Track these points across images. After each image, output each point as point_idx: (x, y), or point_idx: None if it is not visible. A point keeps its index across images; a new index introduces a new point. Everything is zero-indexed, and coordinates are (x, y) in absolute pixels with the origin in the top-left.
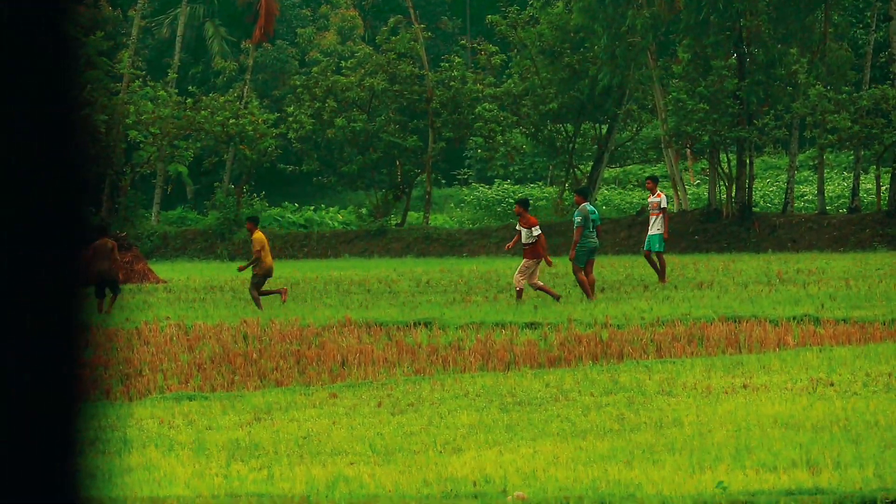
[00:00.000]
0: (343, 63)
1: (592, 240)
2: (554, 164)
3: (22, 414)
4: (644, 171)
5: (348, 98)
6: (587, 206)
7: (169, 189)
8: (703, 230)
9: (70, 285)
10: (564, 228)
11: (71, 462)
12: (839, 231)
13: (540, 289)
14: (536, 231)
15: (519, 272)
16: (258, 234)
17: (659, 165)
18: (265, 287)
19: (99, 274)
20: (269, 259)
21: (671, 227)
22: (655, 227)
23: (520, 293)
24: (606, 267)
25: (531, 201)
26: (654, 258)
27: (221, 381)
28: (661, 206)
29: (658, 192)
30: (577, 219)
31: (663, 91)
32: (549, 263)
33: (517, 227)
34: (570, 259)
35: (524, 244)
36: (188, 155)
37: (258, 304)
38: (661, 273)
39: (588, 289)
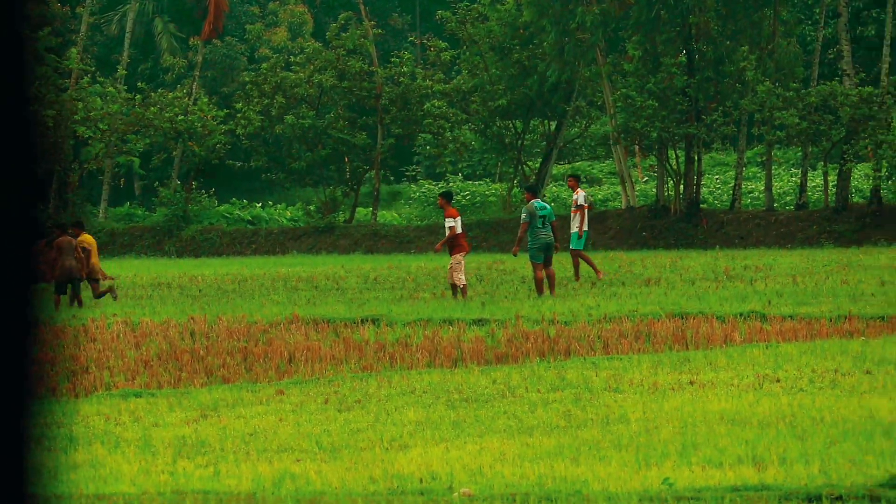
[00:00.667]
0: (292, 59)
1: (544, 236)
2: (503, 161)
3: None
4: (592, 168)
5: (297, 94)
6: (535, 202)
7: (121, 182)
8: (651, 227)
9: (23, 282)
10: (513, 225)
11: (18, 459)
12: (786, 228)
13: (455, 284)
14: (450, 222)
15: (454, 270)
16: (85, 237)
17: (608, 162)
18: (101, 287)
19: (66, 271)
20: (93, 261)
21: (619, 224)
22: (576, 225)
23: (464, 290)
24: (553, 263)
25: (479, 198)
26: (578, 255)
27: (168, 377)
28: (579, 204)
29: (578, 189)
30: (523, 215)
31: (612, 87)
32: (436, 250)
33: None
34: (514, 255)
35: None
36: (137, 148)
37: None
38: (594, 267)
39: (540, 287)
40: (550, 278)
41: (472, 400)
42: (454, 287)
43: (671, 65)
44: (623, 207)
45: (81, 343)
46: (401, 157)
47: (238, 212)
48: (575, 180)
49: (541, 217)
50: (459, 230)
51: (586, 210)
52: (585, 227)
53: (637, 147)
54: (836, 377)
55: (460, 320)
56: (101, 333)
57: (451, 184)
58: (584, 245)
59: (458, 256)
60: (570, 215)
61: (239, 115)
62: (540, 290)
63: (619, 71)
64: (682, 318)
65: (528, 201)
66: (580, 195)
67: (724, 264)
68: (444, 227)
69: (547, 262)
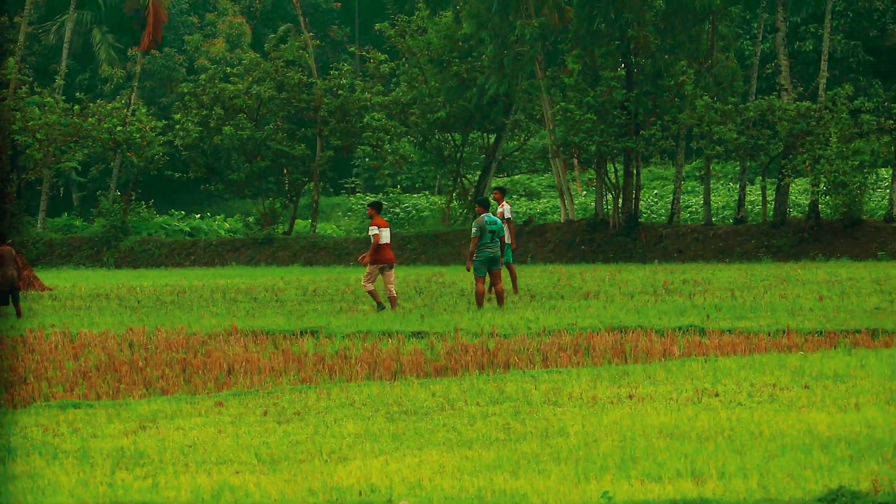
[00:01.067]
0: (230, 70)
1: (489, 250)
2: (441, 174)
3: None
4: (531, 181)
5: (236, 106)
6: (485, 216)
7: (59, 193)
8: (590, 240)
9: None
10: (452, 238)
11: None
12: (725, 242)
13: (371, 293)
14: (374, 230)
15: (365, 279)
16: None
17: (546, 175)
18: None
19: (6, 281)
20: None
21: (558, 237)
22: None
23: (393, 301)
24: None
25: (418, 211)
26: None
27: (107, 389)
28: (505, 217)
29: (503, 202)
30: (473, 229)
31: (551, 101)
32: (361, 261)
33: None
34: (468, 270)
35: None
36: (76, 158)
37: None
38: (513, 283)
39: (481, 300)
40: (499, 294)
41: (411, 412)
42: (392, 300)
43: (610, 78)
44: (562, 221)
45: (20, 354)
46: (340, 170)
47: (177, 223)
48: (501, 193)
49: (490, 232)
50: (385, 240)
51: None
52: (508, 241)
53: (576, 161)
54: (775, 391)
55: (399, 333)
56: (40, 344)
57: (389, 196)
58: (512, 258)
59: (374, 267)
60: None
61: (177, 126)
62: (480, 303)
63: (558, 84)
64: (621, 331)
65: (479, 215)
66: (506, 208)
67: (662, 278)
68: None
69: (496, 278)
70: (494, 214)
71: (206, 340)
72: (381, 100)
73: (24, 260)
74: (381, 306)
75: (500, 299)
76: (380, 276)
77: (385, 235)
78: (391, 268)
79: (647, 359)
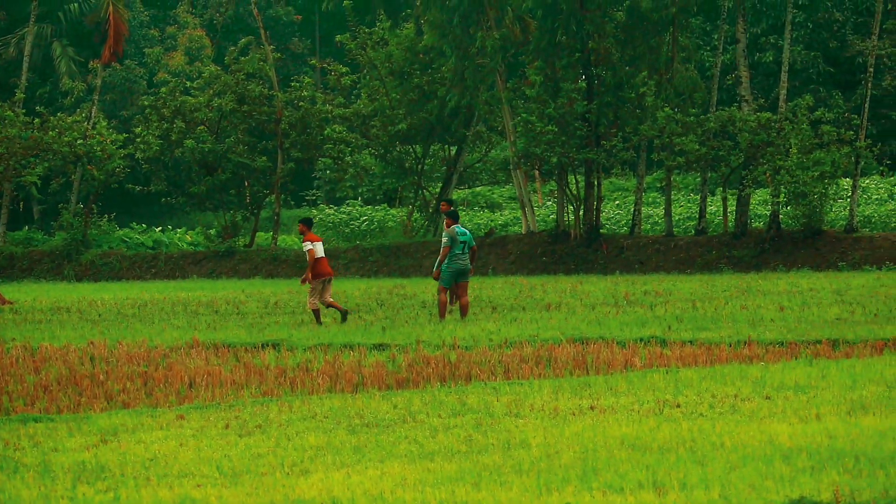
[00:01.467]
0: (191, 83)
1: (461, 262)
2: (403, 186)
3: None
4: (493, 193)
5: (197, 119)
6: (456, 227)
7: (21, 205)
8: (552, 251)
9: None
10: (413, 250)
11: None
12: (686, 253)
13: (330, 305)
14: (307, 245)
15: (309, 295)
16: None
17: (508, 187)
18: None
19: None
20: None
21: (519, 249)
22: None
23: (316, 314)
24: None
25: (380, 223)
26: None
27: (68, 402)
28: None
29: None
30: (444, 240)
31: (512, 113)
32: (302, 283)
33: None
34: (434, 278)
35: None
36: (37, 172)
37: None
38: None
39: (444, 311)
40: (464, 307)
41: (373, 425)
42: (316, 313)
43: (571, 90)
44: (523, 232)
45: None
46: (301, 182)
47: (138, 236)
48: (448, 205)
49: (461, 243)
50: (320, 254)
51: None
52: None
53: (537, 172)
54: (736, 402)
55: (361, 345)
56: (0, 358)
57: (350, 208)
58: None
59: (316, 282)
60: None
61: (138, 139)
62: (443, 315)
63: (519, 96)
64: (583, 343)
65: (449, 226)
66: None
67: (624, 289)
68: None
69: (462, 291)
70: (469, 225)
71: (168, 353)
72: (342, 112)
73: None
74: (319, 321)
75: (464, 311)
76: (317, 290)
77: (319, 249)
78: (330, 281)
79: (608, 370)
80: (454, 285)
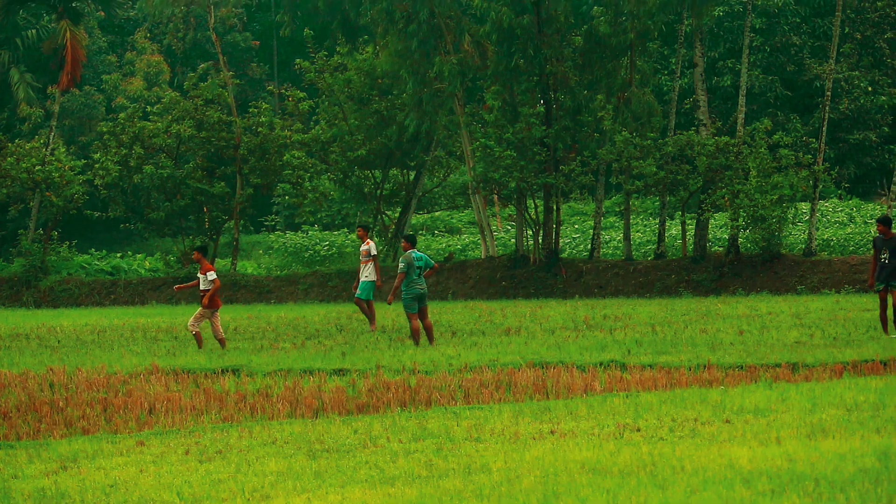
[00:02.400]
0: (149, 109)
1: (418, 287)
2: (362, 211)
3: None
4: (452, 218)
5: (155, 144)
6: (412, 252)
7: None
8: (511, 276)
9: None
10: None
11: None
12: (645, 277)
13: (197, 335)
14: (212, 276)
15: (194, 318)
16: None
17: (467, 211)
18: None
19: None
20: None
21: (479, 273)
22: (365, 275)
23: (197, 337)
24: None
25: (338, 248)
26: (365, 305)
27: (27, 429)
28: (371, 254)
29: (367, 239)
30: (401, 265)
31: (471, 137)
32: (209, 305)
33: (197, 274)
34: (388, 303)
35: (201, 291)
36: None
37: None
38: (370, 319)
39: (417, 336)
40: (428, 329)
41: (333, 450)
42: (222, 341)
43: (529, 115)
44: (482, 257)
45: None
46: (260, 207)
47: (97, 262)
48: (364, 230)
49: (417, 268)
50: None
51: (377, 260)
52: (373, 277)
53: (496, 197)
54: (696, 426)
55: (321, 370)
56: None
57: (310, 233)
58: (372, 295)
59: (206, 311)
60: (361, 265)
61: (97, 165)
62: (417, 340)
63: (477, 121)
64: (543, 367)
65: (406, 251)
66: (371, 245)
67: (583, 314)
68: (198, 279)
69: (423, 314)
70: (359, 251)
71: (127, 380)
72: (301, 137)
73: None
74: (200, 346)
75: (431, 335)
76: (208, 320)
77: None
78: (217, 311)
79: (568, 394)
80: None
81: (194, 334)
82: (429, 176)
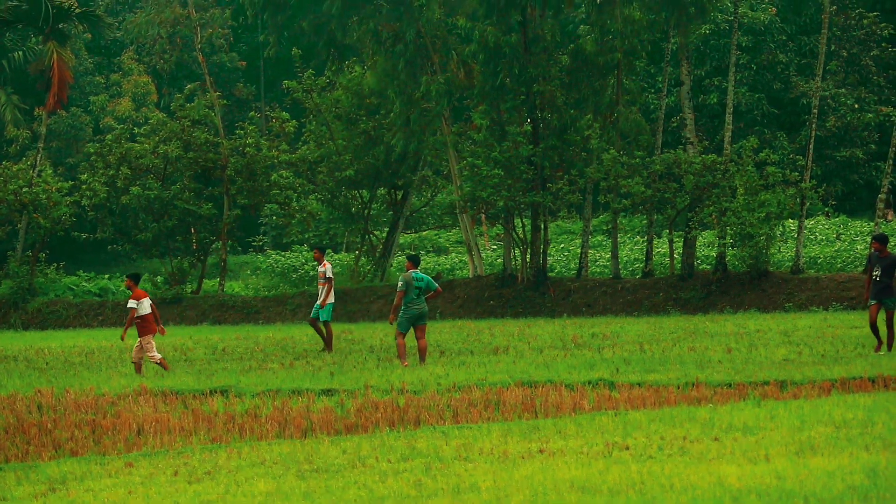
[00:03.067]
0: (137, 130)
1: (416, 307)
2: (350, 231)
3: None
4: (439, 237)
5: (143, 165)
6: (413, 273)
7: None
8: (499, 295)
9: None
10: (360, 294)
11: None
12: (633, 295)
13: (137, 362)
14: (132, 304)
15: (143, 350)
16: None
17: (454, 231)
18: None
19: None
20: None
21: (466, 293)
22: (325, 298)
23: (163, 362)
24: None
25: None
26: (321, 326)
27: (15, 451)
28: (327, 276)
29: (324, 262)
30: (399, 283)
31: (458, 157)
32: (162, 332)
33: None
34: (390, 323)
35: (138, 319)
36: None
37: None
38: (327, 342)
39: (403, 354)
40: (422, 350)
41: (322, 470)
42: (137, 366)
43: (516, 133)
44: (470, 276)
45: None
46: (247, 228)
47: (85, 284)
48: (320, 252)
49: (416, 288)
50: (145, 311)
51: (333, 282)
52: (331, 300)
53: (483, 216)
54: (685, 444)
55: (309, 391)
56: None
57: (297, 254)
58: (331, 317)
59: (148, 337)
60: (319, 288)
61: (84, 186)
62: (403, 356)
63: (464, 140)
64: (531, 386)
65: (408, 270)
66: (328, 267)
67: (571, 332)
68: (133, 309)
69: (420, 333)
70: (315, 272)
71: (116, 401)
72: (288, 157)
73: None
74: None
75: (422, 355)
76: (151, 345)
77: (146, 306)
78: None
79: (557, 413)
80: (414, 328)
81: (157, 362)
82: (416, 195)
